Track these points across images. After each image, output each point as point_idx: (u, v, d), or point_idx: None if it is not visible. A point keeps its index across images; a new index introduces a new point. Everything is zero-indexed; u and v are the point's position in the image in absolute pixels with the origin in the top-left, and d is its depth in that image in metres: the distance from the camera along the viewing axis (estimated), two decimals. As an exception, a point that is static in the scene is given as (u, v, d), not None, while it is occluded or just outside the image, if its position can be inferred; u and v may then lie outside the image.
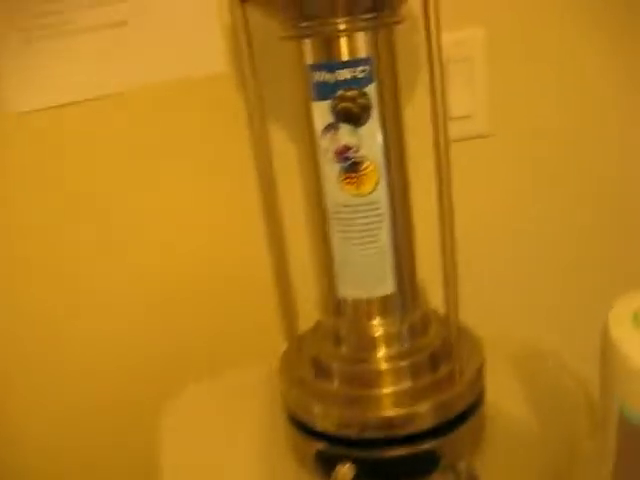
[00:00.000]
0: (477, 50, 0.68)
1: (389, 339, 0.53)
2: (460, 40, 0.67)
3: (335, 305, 0.54)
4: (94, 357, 0.74)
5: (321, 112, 0.47)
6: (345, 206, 0.49)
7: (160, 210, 0.69)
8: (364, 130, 0.47)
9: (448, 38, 0.66)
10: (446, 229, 0.50)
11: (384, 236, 0.50)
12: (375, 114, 0.47)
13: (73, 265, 0.70)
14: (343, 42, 0.45)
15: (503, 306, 0.79)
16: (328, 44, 0.46)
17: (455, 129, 0.71)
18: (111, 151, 0.66)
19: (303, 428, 0.54)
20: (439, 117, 0.47)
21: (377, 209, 0.49)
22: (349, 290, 0.52)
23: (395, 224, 0.50)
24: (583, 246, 0.83)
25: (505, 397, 0.62)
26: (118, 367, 0.75)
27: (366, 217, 0.49)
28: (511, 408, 0.62)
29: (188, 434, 0.64)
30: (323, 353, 0.55)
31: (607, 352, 0.38)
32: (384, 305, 0.52)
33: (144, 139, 0.66)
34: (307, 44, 0.46)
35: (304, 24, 0.46)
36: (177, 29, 0.60)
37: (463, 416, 0.53)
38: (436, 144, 0.48)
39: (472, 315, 0.56)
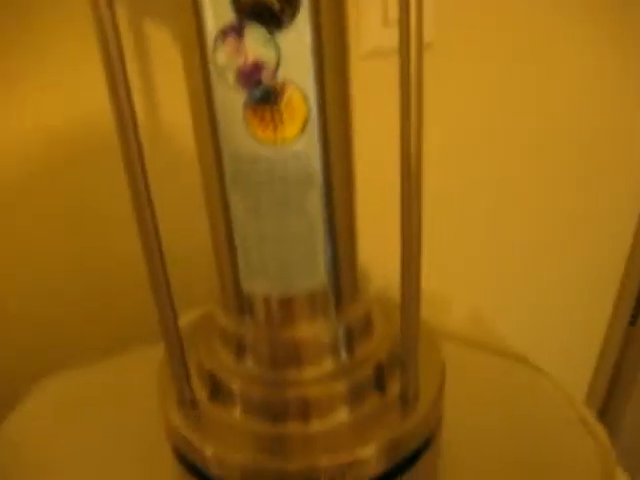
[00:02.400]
0: None
1: (318, 351, 0.36)
2: None
3: (238, 303, 0.36)
4: None
5: (214, 4, 0.28)
6: (253, 161, 0.31)
7: None
8: (287, 36, 0.28)
9: None
10: (412, 189, 0.32)
11: (314, 206, 0.32)
12: (306, 10, 0.28)
13: None
14: None
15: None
16: None
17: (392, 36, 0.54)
18: None
19: (194, 472, 0.38)
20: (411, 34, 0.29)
21: (305, 165, 0.31)
22: (259, 283, 0.34)
23: (331, 187, 0.32)
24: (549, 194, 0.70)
25: (464, 413, 0.48)
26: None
27: (287, 178, 0.31)
28: (472, 428, 0.48)
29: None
30: (221, 368, 0.38)
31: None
32: (312, 303, 0.35)
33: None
34: None
35: None
36: None
37: (417, 453, 0.38)
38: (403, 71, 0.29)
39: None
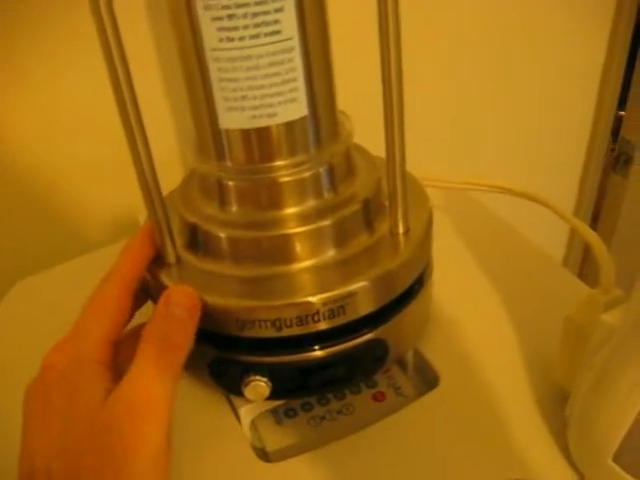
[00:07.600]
0: None
1: (301, 187, 0.35)
2: None
3: (215, 143, 0.35)
4: None
5: None
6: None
7: None
8: None
9: None
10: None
11: (288, 23, 0.31)
12: None
13: None
14: None
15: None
16: None
17: None
18: None
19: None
20: None
21: (275, -26, 0.29)
22: (234, 117, 0.33)
23: (304, 7, 0.31)
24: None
25: (451, 259, 0.48)
26: None
27: (258, -10, 0.29)
28: (461, 272, 0.48)
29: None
30: (204, 218, 0.37)
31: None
32: (291, 136, 0.34)
33: None
34: None
35: None
36: None
37: (411, 290, 0.38)
38: None
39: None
